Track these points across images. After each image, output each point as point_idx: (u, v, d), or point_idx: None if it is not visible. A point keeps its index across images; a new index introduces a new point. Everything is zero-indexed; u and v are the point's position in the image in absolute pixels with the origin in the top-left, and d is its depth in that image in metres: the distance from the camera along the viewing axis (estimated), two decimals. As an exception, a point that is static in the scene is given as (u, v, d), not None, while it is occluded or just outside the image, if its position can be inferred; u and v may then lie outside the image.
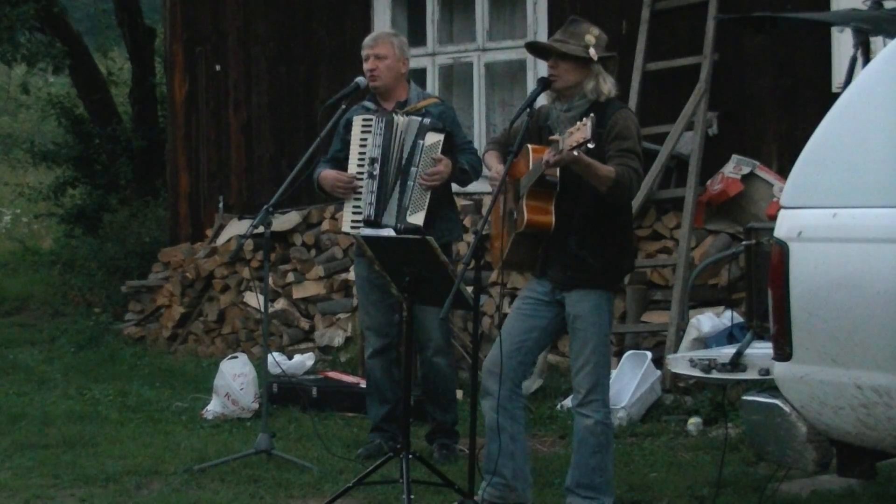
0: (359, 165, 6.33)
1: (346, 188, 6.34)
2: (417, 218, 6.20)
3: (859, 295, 4.14)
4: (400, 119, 6.29)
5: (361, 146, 6.33)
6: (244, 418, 7.43)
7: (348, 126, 6.40)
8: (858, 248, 4.18)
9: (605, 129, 5.01)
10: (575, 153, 4.75)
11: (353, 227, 6.31)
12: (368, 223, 6.27)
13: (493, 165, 5.32)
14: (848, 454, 4.44)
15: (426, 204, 6.22)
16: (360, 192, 6.33)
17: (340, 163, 6.42)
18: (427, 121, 6.25)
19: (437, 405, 6.50)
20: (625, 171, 4.95)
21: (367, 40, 6.49)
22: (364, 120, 6.35)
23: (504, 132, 5.51)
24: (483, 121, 9.15)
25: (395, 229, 6.19)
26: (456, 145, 6.33)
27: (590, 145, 4.70)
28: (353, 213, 6.34)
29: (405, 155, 6.27)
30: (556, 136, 4.89)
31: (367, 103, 6.50)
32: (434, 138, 6.22)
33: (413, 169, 6.23)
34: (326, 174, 6.40)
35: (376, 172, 6.29)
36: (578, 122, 4.74)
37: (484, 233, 5.08)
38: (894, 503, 5.39)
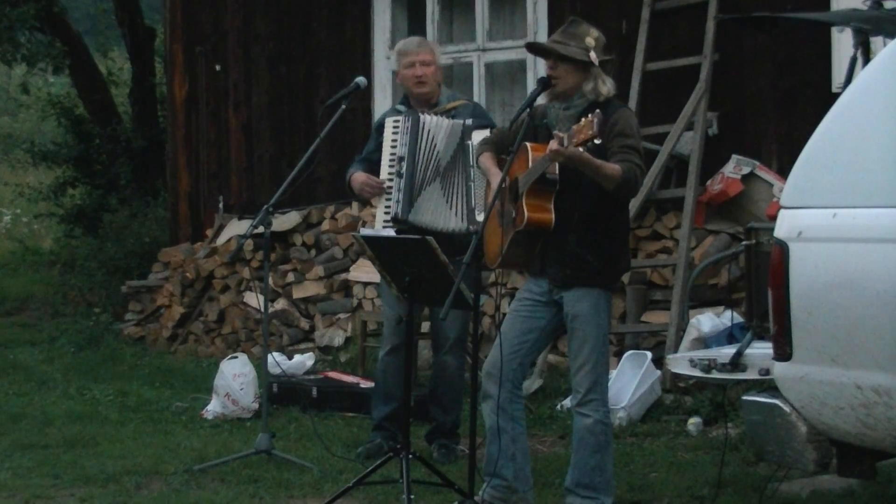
0: (390, 166, 6.33)
1: (373, 191, 6.35)
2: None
3: (859, 295, 4.14)
4: (426, 118, 6.29)
5: (392, 147, 6.33)
6: (244, 418, 7.43)
7: (381, 129, 6.42)
8: (858, 248, 4.18)
9: (607, 128, 5.01)
10: (581, 149, 4.76)
11: (384, 227, 6.29)
12: (396, 221, 6.26)
13: (490, 169, 5.33)
14: (848, 454, 4.44)
15: None
16: (391, 191, 6.32)
17: (373, 164, 6.42)
18: (469, 121, 6.23)
19: (439, 405, 6.49)
20: (630, 168, 4.96)
21: (411, 46, 6.48)
22: (394, 122, 6.35)
23: (498, 131, 5.52)
24: (483, 121, 9.15)
25: (465, 230, 6.10)
26: None
27: (596, 141, 4.71)
28: (385, 212, 6.33)
29: (445, 157, 6.24)
30: (560, 133, 4.89)
31: (399, 106, 6.53)
32: (481, 135, 6.19)
33: (471, 170, 6.18)
34: (357, 176, 6.40)
35: (403, 171, 6.27)
36: (584, 119, 4.75)
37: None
38: (894, 503, 5.40)
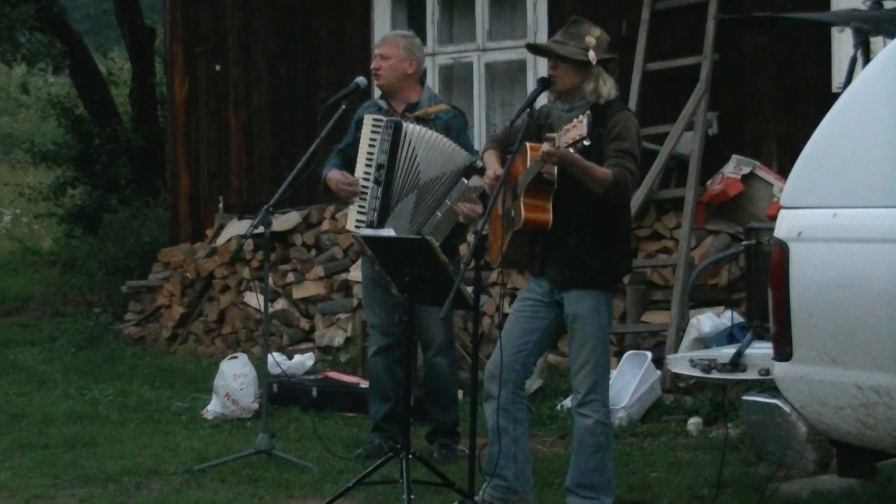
0: (366, 166, 6.32)
1: (349, 192, 6.34)
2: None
3: (859, 295, 4.14)
4: (409, 127, 6.27)
5: (370, 146, 6.31)
6: (244, 418, 7.43)
7: (359, 123, 6.40)
8: (858, 248, 4.18)
9: (606, 130, 5.02)
10: (571, 150, 4.76)
11: (356, 227, 6.30)
12: (371, 227, 6.26)
13: (491, 166, 5.32)
14: (848, 454, 4.45)
15: (445, 234, 6.23)
16: (366, 193, 6.31)
17: (350, 157, 6.42)
18: (479, 163, 6.13)
19: (437, 406, 6.50)
20: (621, 173, 4.95)
21: (377, 40, 6.55)
22: (375, 120, 6.33)
23: (504, 130, 5.51)
24: (483, 121, 9.16)
25: None
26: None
27: (585, 142, 4.70)
28: (359, 212, 6.33)
29: (428, 172, 6.23)
30: (552, 134, 4.90)
31: (380, 101, 6.51)
32: (478, 182, 6.18)
33: (447, 202, 6.23)
34: (332, 175, 6.39)
35: (382, 179, 6.27)
36: (574, 120, 4.75)
37: (484, 233, 5.07)
38: (894, 503, 5.40)
